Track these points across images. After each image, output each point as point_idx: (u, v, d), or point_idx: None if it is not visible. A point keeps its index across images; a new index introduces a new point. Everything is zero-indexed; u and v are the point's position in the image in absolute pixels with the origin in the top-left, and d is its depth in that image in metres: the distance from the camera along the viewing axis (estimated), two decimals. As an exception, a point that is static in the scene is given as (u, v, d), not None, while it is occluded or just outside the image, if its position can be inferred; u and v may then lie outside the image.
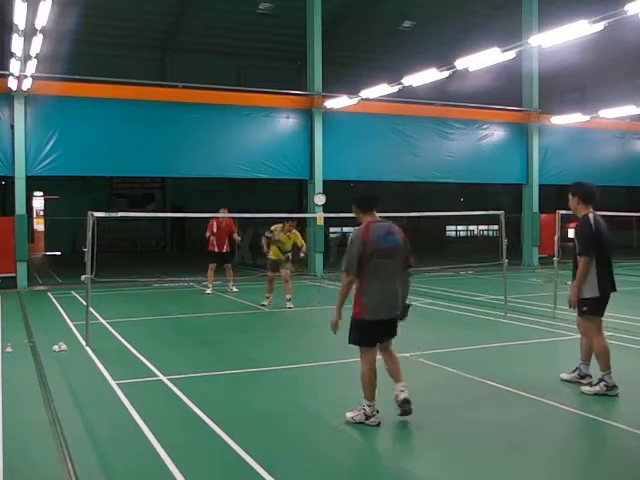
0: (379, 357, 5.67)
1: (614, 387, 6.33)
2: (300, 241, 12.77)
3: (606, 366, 6.36)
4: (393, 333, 5.64)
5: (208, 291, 15.07)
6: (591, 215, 6.40)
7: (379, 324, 5.42)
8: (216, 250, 15.02)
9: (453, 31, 30.61)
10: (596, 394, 6.33)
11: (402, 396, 5.51)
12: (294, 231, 12.71)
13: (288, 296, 12.70)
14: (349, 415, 5.55)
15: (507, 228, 11.72)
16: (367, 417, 5.49)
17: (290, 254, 12.77)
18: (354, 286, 5.46)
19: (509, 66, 18.04)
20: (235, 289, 15.30)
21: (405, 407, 5.52)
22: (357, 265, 5.36)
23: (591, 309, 6.36)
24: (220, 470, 4.75)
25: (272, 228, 12.68)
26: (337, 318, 5.47)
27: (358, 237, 5.39)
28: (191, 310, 12.89)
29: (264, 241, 12.77)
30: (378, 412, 5.51)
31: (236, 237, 15.29)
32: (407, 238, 5.60)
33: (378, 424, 5.47)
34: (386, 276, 5.37)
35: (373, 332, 5.46)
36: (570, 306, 6.47)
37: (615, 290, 6.47)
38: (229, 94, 19.62)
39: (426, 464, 4.82)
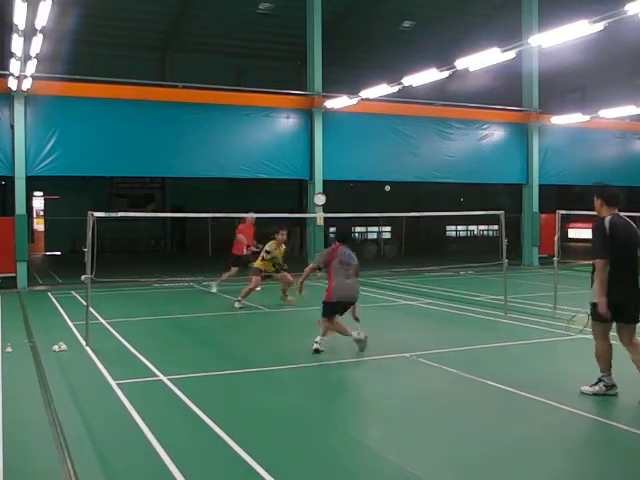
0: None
1: (613, 387, 6.33)
2: (284, 252, 13.18)
3: (606, 367, 6.35)
4: (347, 308, 8.47)
5: (213, 290, 15.06)
6: (608, 218, 6.26)
7: (339, 304, 8.38)
8: (244, 253, 14.44)
9: (453, 31, 30.60)
10: (595, 394, 6.33)
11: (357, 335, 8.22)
12: (283, 245, 12.99)
13: (288, 295, 12.81)
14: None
15: (507, 228, 11.72)
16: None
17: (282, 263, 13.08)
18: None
19: (509, 66, 18.03)
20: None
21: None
22: (323, 263, 8.73)
23: (596, 314, 6.22)
24: (220, 470, 4.75)
25: (268, 249, 12.71)
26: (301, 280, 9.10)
27: (329, 251, 8.68)
28: (191, 310, 12.89)
29: (263, 255, 12.87)
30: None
31: (253, 248, 14.56)
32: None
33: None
34: (345, 276, 8.39)
35: (336, 308, 8.36)
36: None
37: (636, 297, 6.17)
38: (229, 94, 19.62)
39: (427, 464, 4.82)
